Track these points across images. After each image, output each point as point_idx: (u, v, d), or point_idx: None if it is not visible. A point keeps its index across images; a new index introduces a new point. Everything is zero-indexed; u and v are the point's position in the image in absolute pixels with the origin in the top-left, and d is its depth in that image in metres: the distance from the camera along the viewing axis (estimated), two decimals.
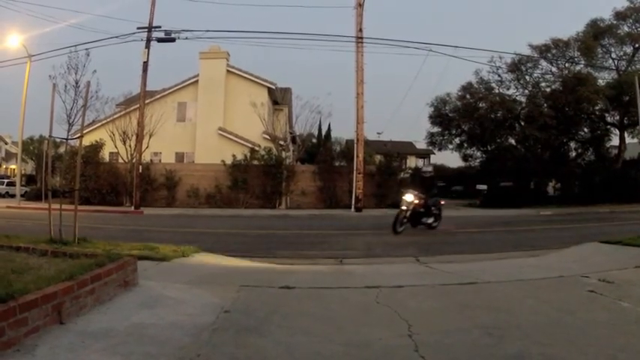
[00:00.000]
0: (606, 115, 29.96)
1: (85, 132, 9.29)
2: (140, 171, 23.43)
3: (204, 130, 28.89)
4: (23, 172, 39.50)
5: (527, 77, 30.34)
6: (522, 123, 29.46)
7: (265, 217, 19.92)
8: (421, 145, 38.26)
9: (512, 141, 31.67)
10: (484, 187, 31.21)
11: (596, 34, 28.82)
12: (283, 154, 27.22)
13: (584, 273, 5.98)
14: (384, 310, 4.44)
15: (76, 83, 7.77)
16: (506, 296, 5.00)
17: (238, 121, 28.73)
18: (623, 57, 29.41)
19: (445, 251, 9.22)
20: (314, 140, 44.54)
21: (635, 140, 31.78)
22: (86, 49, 9.30)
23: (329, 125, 48.57)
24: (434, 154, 45.46)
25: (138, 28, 22.86)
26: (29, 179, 45.26)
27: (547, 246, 9.61)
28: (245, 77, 30.11)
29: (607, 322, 3.99)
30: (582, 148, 31.69)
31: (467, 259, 8.16)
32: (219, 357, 3.24)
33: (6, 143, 57.09)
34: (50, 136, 8.11)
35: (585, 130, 30.63)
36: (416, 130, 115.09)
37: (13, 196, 30.94)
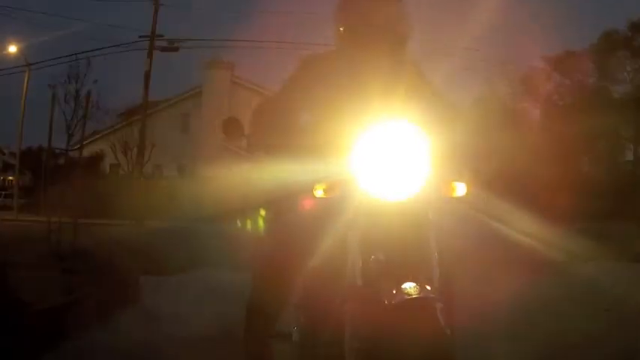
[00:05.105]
0: (620, 129, 29.47)
1: (85, 143, 8.98)
2: (141, 182, 23.05)
3: (208, 142, 28.25)
4: (21, 183, 39.02)
5: (539, 90, 29.90)
6: (534, 136, 28.92)
7: None
8: None
9: (524, 154, 31.16)
10: None
11: (610, 46, 28.41)
12: None
13: None
14: None
15: (77, 93, 7.35)
16: None
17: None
18: (639, 69, 28.99)
19: None
20: None
21: None
22: (87, 57, 8.86)
23: None
24: None
25: (140, 37, 22.62)
26: (27, 191, 44.71)
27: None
28: (250, 88, 29.60)
29: None
30: (596, 163, 31.16)
31: None
32: None
33: (3, 154, 56.49)
34: (49, 147, 7.89)
35: (599, 144, 30.11)
36: None
37: (10, 208, 30.36)
